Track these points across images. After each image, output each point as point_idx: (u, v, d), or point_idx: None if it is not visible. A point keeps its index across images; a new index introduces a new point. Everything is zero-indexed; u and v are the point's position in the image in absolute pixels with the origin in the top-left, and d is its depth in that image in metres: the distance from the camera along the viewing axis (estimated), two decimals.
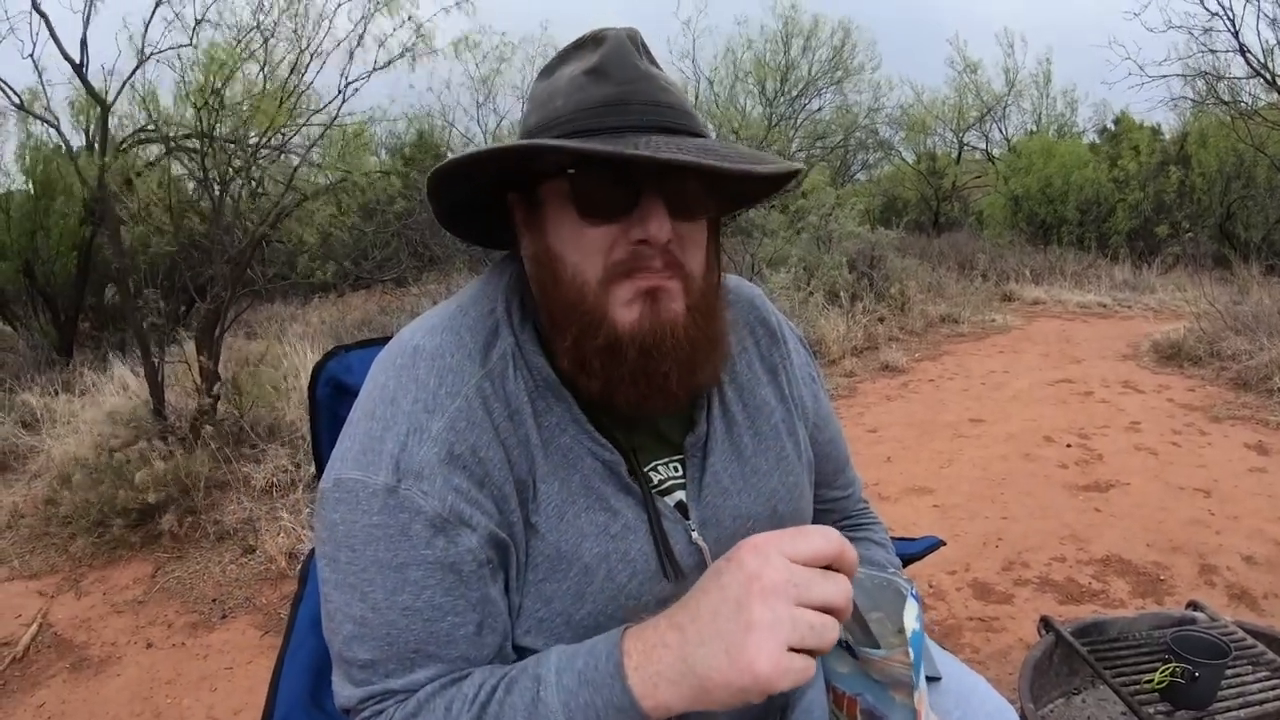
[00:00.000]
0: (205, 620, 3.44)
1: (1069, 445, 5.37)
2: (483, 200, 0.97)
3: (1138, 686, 1.96)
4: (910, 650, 0.73)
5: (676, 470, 0.99)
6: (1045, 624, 2.25)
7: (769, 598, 0.70)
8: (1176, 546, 3.92)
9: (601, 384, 0.87)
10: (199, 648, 3.23)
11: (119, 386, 5.88)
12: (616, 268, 0.85)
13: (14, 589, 3.77)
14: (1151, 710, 1.86)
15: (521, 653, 0.88)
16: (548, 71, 0.94)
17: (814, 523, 1.16)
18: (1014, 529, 4.05)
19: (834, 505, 1.25)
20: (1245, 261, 11.11)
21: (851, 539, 1.21)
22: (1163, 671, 1.90)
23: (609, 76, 0.85)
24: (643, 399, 0.88)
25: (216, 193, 4.65)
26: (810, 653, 0.71)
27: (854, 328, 8.33)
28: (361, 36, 4.85)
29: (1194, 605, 2.41)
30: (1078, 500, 4.48)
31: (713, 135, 0.96)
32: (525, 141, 0.81)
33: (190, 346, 4.88)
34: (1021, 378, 7.25)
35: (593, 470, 0.91)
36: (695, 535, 0.95)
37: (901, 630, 0.77)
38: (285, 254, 5.92)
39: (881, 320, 9.09)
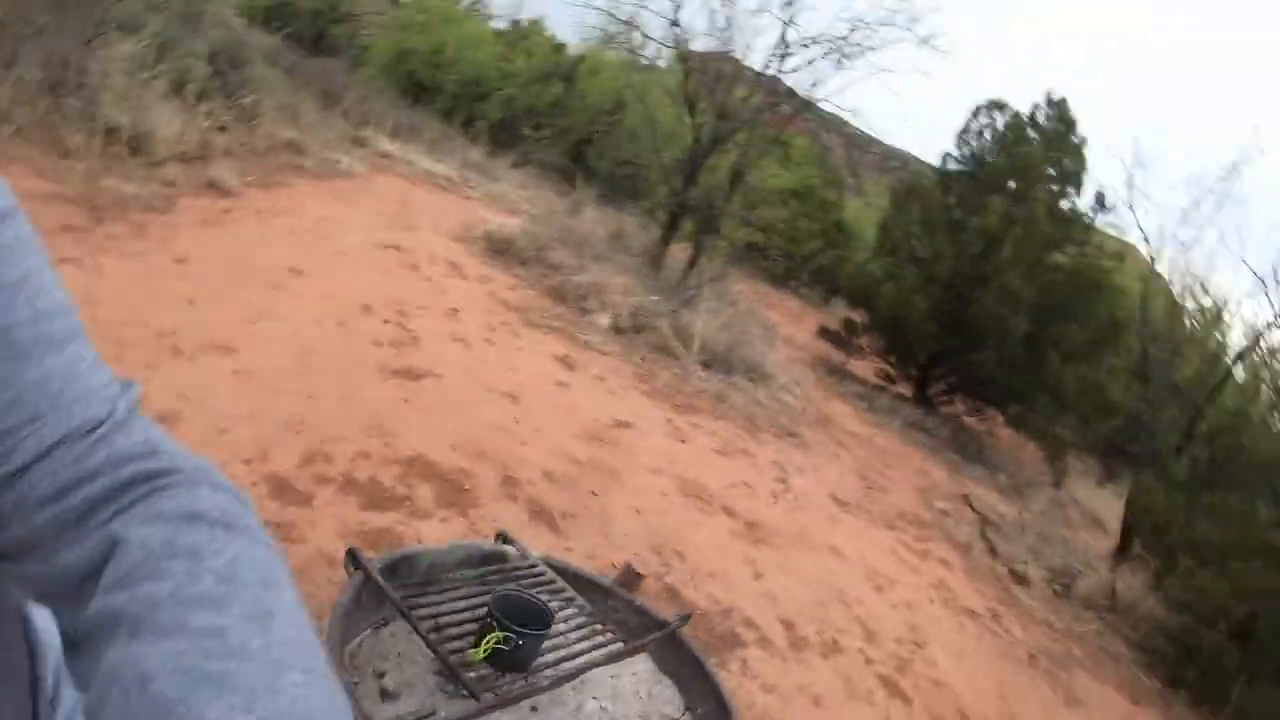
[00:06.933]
0: None
1: (387, 320, 5.17)
2: None
3: (457, 646, 1.80)
4: None
5: None
6: (353, 560, 1.91)
7: None
8: (481, 453, 3.96)
9: None
10: None
11: None
12: None
13: None
14: (474, 675, 1.73)
15: None
16: None
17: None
18: (319, 412, 3.64)
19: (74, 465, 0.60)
20: (587, 184, 12.52)
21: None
22: (488, 641, 1.78)
23: None
24: None
25: None
26: None
27: (191, 130, 7.09)
28: None
29: (503, 538, 2.37)
30: (389, 386, 4.28)
31: None
32: None
33: None
34: (353, 233, 6.88)
35: None
36: None
37: None
38: None
39: (223, 129, 7.95)
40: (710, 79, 9.77)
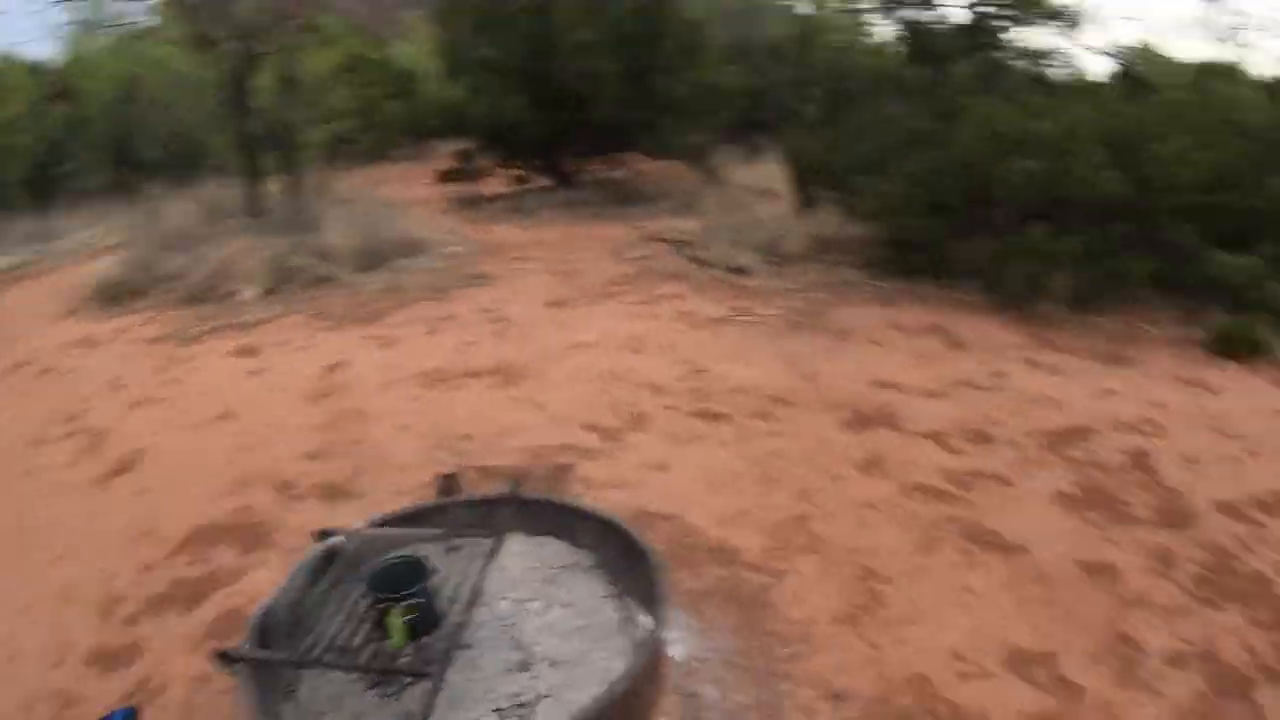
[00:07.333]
0: None
1: (68, 435, 4.62)
2: None
3: (371, 651, 1.77)
4: None
5: None
6: (223, 660, 1.80)
7: None
8: (241, 481, 3.78)
9: None
10: None
11: None
12: None
13: None
14: (406, 660, 1.72)
15: None
16: None
17: None
18: (70, 574, 3.27)
19: None
20: (149, 181, 11.31)
21: None
22: (396, 620, 1.74)
23: None
24: None
25: None
26: None
27: None
28: None
29: (324, 533, 2.28)
30: (110, 494, 3.87)
31: None
32: None
33: None
34: None
35: None
36: None
37: None
38: None
39: None
40: (207, 10, 8.91)
